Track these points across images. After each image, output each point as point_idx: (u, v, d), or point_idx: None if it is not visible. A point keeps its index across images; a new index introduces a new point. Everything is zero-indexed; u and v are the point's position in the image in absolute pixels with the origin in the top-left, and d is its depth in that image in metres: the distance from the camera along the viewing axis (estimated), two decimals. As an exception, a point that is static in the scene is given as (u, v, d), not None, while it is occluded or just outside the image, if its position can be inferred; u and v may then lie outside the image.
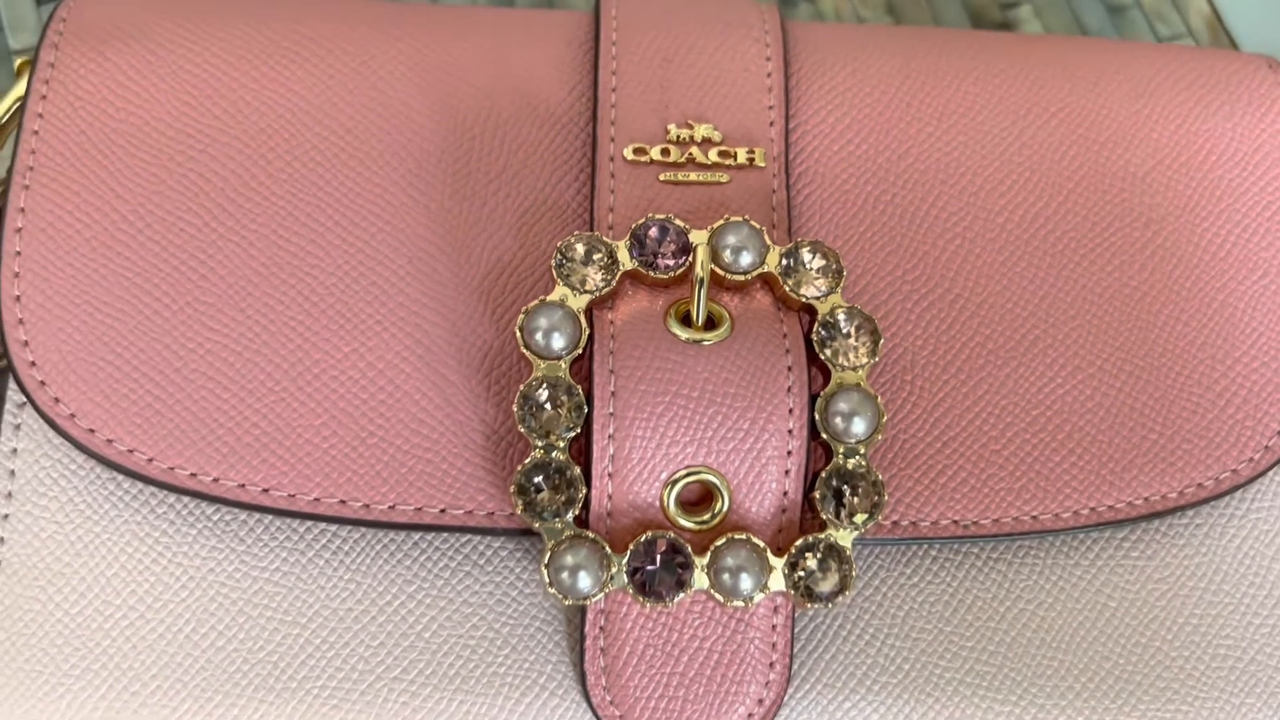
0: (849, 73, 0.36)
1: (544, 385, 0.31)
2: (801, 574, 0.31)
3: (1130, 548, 0.35)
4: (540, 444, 0.30)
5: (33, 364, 0.32)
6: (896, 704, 0.33)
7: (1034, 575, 0.34)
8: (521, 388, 0.31)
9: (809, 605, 0.31)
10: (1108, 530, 0.34)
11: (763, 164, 0.34)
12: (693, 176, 0.34)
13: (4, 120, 0.36)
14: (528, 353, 0.31)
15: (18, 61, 0.37)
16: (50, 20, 0.35)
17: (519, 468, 0.30)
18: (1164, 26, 0.49)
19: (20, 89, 0.37)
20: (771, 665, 0.32)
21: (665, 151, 0.34)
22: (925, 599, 0.34)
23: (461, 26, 0.36)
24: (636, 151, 0.34)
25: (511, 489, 0.30)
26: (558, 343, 0.31)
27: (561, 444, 0.31)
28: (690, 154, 0.34)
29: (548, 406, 0.31)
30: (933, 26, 0.42)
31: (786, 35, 0.37)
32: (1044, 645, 0.34)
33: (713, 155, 0.34)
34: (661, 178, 0.34)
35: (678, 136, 0.34)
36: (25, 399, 0.34)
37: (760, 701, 0.32)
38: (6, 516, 0.33)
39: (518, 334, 0.31)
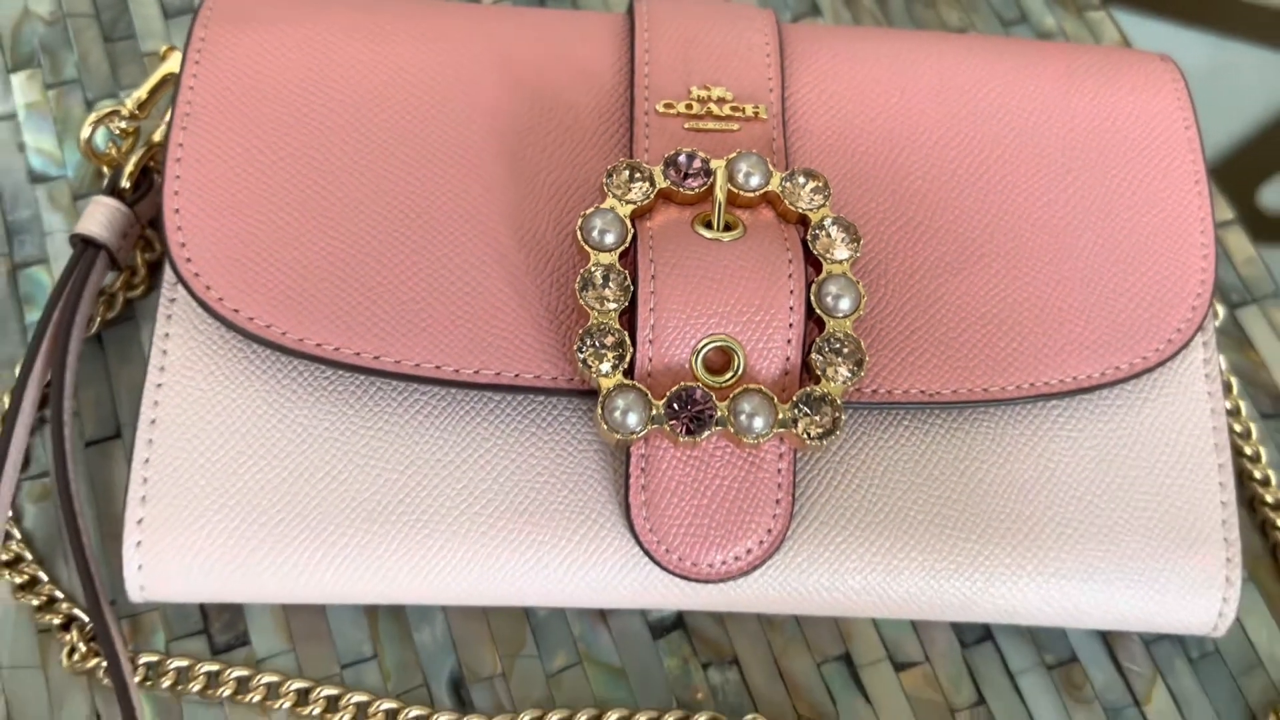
0: (830, 55, 0.46)
1: (599, 269, 0.39)
2: (800, 417, 0.39)
3: (1065, 421, 0.43)
4: (596, 309, 0.39)
5: (188, 260, 0.40)
6: (879, 539, 0.41)
7: (988, 441, 0.42)
8: (582, 272, 0.39)
9: (808, 443, 0.39)
10: (1049, 402, 0.43)
11: (765, 117, 0.43)
12: (710, 125, 0.43)
13: (155, 87, 0.45)
14: (586, 246, 0.39)
15: (164, 48, 0.46)
16: (199, 8, 0.44)
17: (579, 330, 0.39)
18: (1085, 49, 0.59)
19: (169, 65, 0.46)
20: (778, 501, 0.40)
21: (689, 106, 0.43)
22: (899, 458, 0.42)
23: (522, 19, 0.46)
24: (666, 106, 0.43)
25: (574, 346, 0.39)
26: (609, 239, 0.40)
27: (613, 314, 0.39)
28: (709, 108, 0.43)
29: (602, 285, 0.39)
30: (897, 29, 0.52)
31: (781, 30, 0.47)
32: (998, 496, 0.42)
33: (726, 109, 0.43)
34: (686, 126, 0.43)
35: (698, 95, 0.44)
36: (175, 296, 0.42)
37: (769, 531, 0.40)
38: (160, 385, 0.41)
39: (578, 232, 0.40)
